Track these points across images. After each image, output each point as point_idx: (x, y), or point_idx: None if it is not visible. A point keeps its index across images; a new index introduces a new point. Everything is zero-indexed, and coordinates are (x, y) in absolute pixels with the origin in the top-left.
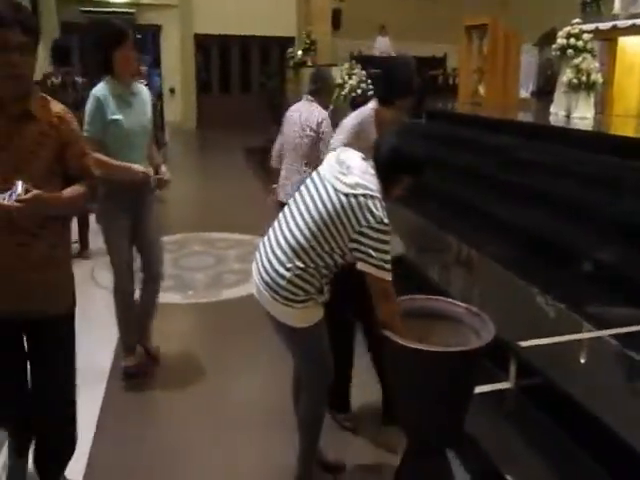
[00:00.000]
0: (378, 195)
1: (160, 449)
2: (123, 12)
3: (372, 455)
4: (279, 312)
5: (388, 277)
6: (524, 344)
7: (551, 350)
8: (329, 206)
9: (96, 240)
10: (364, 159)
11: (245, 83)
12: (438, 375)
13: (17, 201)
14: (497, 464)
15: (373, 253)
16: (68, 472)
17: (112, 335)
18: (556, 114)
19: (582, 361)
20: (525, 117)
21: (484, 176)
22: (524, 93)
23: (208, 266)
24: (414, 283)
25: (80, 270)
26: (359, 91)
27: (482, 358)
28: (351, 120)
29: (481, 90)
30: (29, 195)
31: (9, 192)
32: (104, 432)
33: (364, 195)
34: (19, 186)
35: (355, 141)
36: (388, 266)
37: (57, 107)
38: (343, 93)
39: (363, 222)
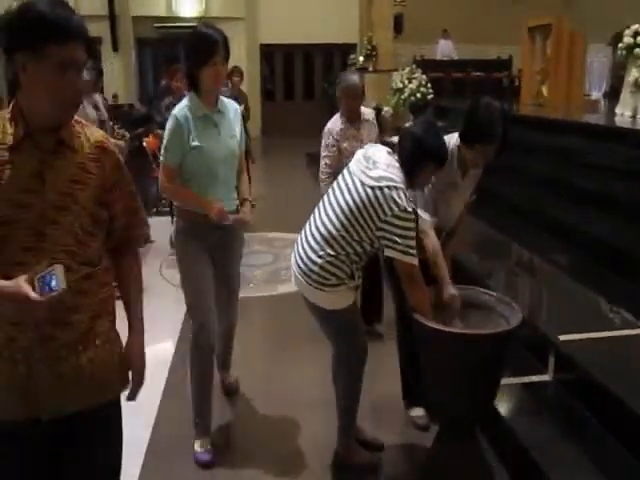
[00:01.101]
0: (402, 186)
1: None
2: (193, 26)
3: (404, 436)
4: (312, 295)
5: (414, 262)
6: (563, 338)
7: (591, 345)
8: (357, 198)
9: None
10: (390, 153)
11: (308, 90)
12: (467, 357)
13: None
14: (528, 448)
15: (398, 240)
16: None
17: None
18: (622, 115)
19: (622, 357)
20: (589, 118)
21: (547, 179)
22: (596, 94)
23: (266, 263)
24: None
25: (148, 265)
26: (418, 95)
27: (509, 342)
28: None
29: (544, 91)
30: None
31: (43, 276)
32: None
33: (388, 187)
34: (60, 278)
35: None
36: (413, 251)
37: (97, 133)
38: (403, 97)
39: (388, 212)
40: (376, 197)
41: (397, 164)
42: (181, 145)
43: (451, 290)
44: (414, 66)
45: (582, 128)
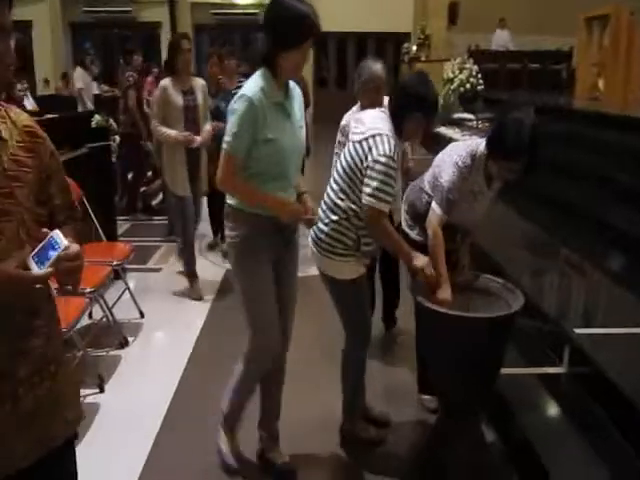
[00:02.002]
0: (387, 133)
1: None
2: (249, 13)
3: (412, 416)
4: (323, 264)
5: (384, 209)
6: (578, 331)
7: (606, 340)
8: (348, 158)
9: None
10: (382, 111)
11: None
12: (465, 338)
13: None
14: (533, 440)
15: (375, 184)
16: None
17: None
18: None
19: (637, 355)
20: None
21: (597, 175)
22: None
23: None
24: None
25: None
26: (468, 86)
27: (509, 327)
28: (460, 151)
29: (600, 85)
30: (74, 249)
31: (40, 249)
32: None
33: (372, 135)
34: (59, 239)
35: (462, 182)
36: (388, 199)
37: (22, 116)
38: (452, 87)
39: (369, 157)
40: (362, 148)
41: (385, 115)
42: (253, 134)
43: (444, 294)
44: (466, 56)
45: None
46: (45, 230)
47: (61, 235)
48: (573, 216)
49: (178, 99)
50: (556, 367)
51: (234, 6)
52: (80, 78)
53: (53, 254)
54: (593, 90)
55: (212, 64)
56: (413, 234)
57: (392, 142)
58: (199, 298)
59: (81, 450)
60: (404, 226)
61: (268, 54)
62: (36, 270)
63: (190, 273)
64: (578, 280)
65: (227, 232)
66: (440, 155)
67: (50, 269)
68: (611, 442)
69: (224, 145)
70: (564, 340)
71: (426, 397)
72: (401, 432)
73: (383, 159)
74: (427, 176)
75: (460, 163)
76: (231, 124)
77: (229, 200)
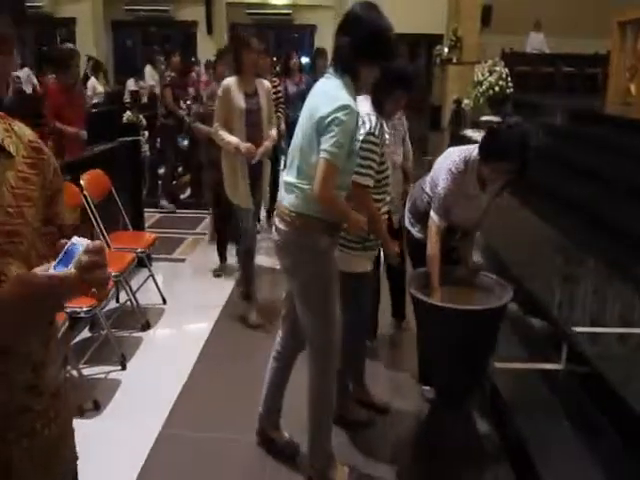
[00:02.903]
0: (368, 112)
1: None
2: (283, 13)
3: (412, 405)
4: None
5: (365, 182)
6: (577, 329)
7: (603, 340)
8: None
9: None
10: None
11: None
12: (455, 328)
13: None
14: (523, 433)
15: (360, 161)
16: None
17: None
18: None
19: (632, 355)
20: None
21: (625, 182)
22: None
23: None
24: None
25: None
26: (497, 88)
27: (497, 320)
28: (454, 157)
29: (633, 90)
30: (97, 243)
31: (62, 257)
32: None
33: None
34: (79, 242)
35: (457, 187)
36: (370, 172)
37: (27, 130)
38: (480, 90)
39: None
40: None
41: (362, 97)
42: (350, 145)
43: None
44: (497, 59)
45: None
46: (64, 240)
47: (80, 238)
48: (593, 221)
49: (240, 101)
50: (555, 364)
51: (269, 6)
52: (150, 76)
53: (77, 253)
54: (625, 95)
55: (222, 62)
56: (414, 231)
57: (373, 120)
58: (256, 325)
59: (103, 418)
60: (407, 224)
61: (354, 64)
62: (69, 270)
63: (247, 293)
64: (586, 281)
65: (296, 239)
66: (439, 158)
67: (74, 270)
68: (602, 438)
69: (327, 156)
70: (563, 337)
71: (425, 387)
72: (399, 418)
73: (365, 137)
74: (428, 177)
75: (453, 169)
76: (336, 135)
77: (312, 212)
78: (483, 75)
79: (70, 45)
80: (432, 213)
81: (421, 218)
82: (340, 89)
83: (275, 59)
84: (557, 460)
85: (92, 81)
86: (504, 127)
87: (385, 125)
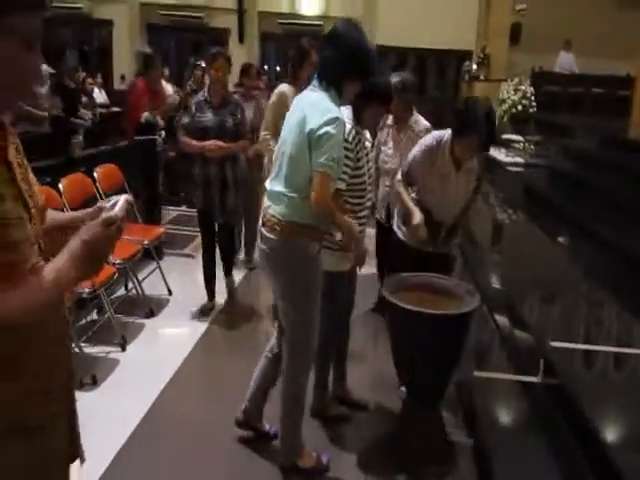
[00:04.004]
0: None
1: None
2: (314, 24)
3: (389, 402)
4: None
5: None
6: (554, 344)
7: (578, 356)
8: None
9: None
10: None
11: (419, 93)
12: (423, 331)
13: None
14: (489, 444)
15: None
16: None
17: None
18: None
19: (604, 372)
20: None
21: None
22: None
23: None
24: None
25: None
26: (520, 107)
27: (463, 325)
28: (427, 139)
29: None
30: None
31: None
32: None
33: None
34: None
35: (426, 160)
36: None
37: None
38: (504, 109)
39: None
40: None
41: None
42: (339, 155)
43: (415, 219)
44: (523, 77)
45: None
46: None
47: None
48: (599, 244)
49: None
50: (532, 377)
51: (300, 17)
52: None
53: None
54: None
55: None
56: (400, 233)
57: (347, 127)
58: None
59: (103, 391)
60: (395, 227)
61: (339, 79)
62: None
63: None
64: (580, 301)
65: (286, 246)
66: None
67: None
68: (567, 454)
69: (323, 169)
70: (540, 351)
71: (402, 388)
72: (375, 416)
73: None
74: None
75: (425, 144)
76: (329, 148)
77: (301, 219)
78: (508, 93)
79: (146, 48)
80: (399, 173)
81: (406, 219)
82: (327, 101)
83: None
84: (515, 469)
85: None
86: (470, 104)
87: (368, 134)
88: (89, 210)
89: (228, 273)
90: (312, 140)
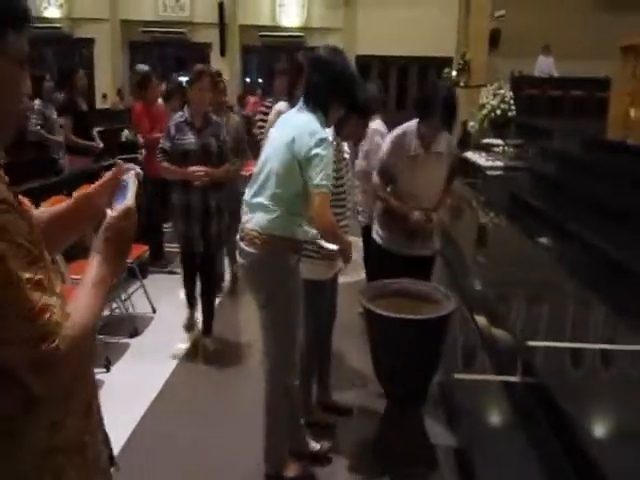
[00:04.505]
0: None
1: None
2: (295, 36)
3: (372, 404)
4: None
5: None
6: (531, 343)
7: (555, 354)
8: None
9: None
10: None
11: (401, 101)
12: (400, 336)
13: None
14: (470, 441)
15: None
16: None
17: None
18: None
19: (580, 369)
20: None
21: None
22: None
23: None
24: None
25: None
26: (498, 112)
27: (441, 329)
28: (396, 130)
29: (632, 114)
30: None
31: (119, 194)
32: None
33: None
34: (128, 179)
35: (397, 149)
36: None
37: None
38: (484, 113)
39: None
40: None
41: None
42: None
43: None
44: (502, 82)
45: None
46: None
47: (128, 174)
48: (579, 245)
49: None
50: (512, 376)
51: (281, 29)
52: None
53: (129, 187)
54: (626, 119)
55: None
56: (377, 237)
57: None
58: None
59: None
60: (374, 234)
61: (326, 102)
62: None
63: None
64: (559, 302)
65: (266, 259)
66: None
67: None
68: (546, 452)
69: (320, 190)
70: (518, 351)
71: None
72: (358, 420)
73: None
74: None
75: (393, 136)
76: (322, 169)
77: (281, 232)
78: (487, 98)
79: (145, 67)
80: (374, 174)
81: (384, 222)
82: (315, 123)
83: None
84: (497, 469)
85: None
86: (430, 87)
87: (346, 146)
88: (104, 180)
89: (208, 310)
90: (303, 163)
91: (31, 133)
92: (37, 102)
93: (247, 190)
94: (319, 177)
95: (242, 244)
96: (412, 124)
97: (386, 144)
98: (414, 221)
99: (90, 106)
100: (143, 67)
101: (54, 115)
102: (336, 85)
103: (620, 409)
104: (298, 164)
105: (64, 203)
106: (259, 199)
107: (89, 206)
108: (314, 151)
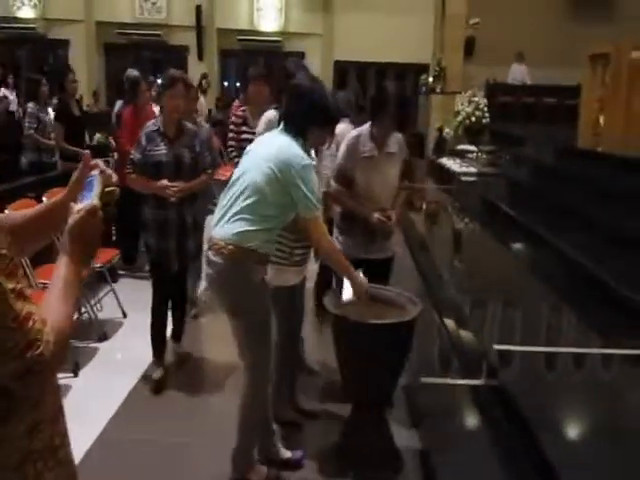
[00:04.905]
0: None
1: None
2: (273, 40)
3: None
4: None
5: None
6: (497, 347)
7: (520, 357)
8: None
9: None
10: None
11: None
12: (365, 341)
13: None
14: (433, 443)
15: None
16: None
17: None
18: None
19: (543, 373)
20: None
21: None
22: None
23: None
24: None
25: None
26: (473, 119)
27: (407, 333)
28: (350, 134)
29: (601, 121)
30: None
31: (86, 191)
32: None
33: None
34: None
35: (352, 151)
36: None
37: None
38: (458, 120)
39: None
40: None
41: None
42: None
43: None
44: (476, 89)
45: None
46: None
47: (96, 170)
48: (549, 250)
49: None
50: (476, 380)
51: (259, 33)
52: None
53: (95, 185)
54: (595, 126)
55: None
56: (338, 245)
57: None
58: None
59: None
60: (334, 240)
61: (305, 129)
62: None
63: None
64: (522, 305)
65: (233, 269)
66: None
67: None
68: (506, 453)
69: (312, 215)
70: (483, 354)
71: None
72: (325, 422)
73: None
74: None
75: (348, 140)
76: (307, 194)
77: (249, 244)
78: (462, 105)
79: (135, 72)
80: (332, 181)
81: (344, 227)
82: (295, 147)
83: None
84: (460, 471)
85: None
86: (381, 89)
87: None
88: (74, 180)
89: (177, 338)
90: (287, 184)
91: (25, 137)
92: (31, 105)
93: (221, 197)
94: (308, 201)
95: (209, 253)
96: (365, 127)
97: (341, 149)
98: (375, 222)
99: (82, 111)
100: (132, 72)
101: (48, 118)
102: (315, 113)
103: (577, 411)
104: (281, 186)
105: (38, 207)
106: (233, 210)
107: (65, 210)
108: (299, 178)
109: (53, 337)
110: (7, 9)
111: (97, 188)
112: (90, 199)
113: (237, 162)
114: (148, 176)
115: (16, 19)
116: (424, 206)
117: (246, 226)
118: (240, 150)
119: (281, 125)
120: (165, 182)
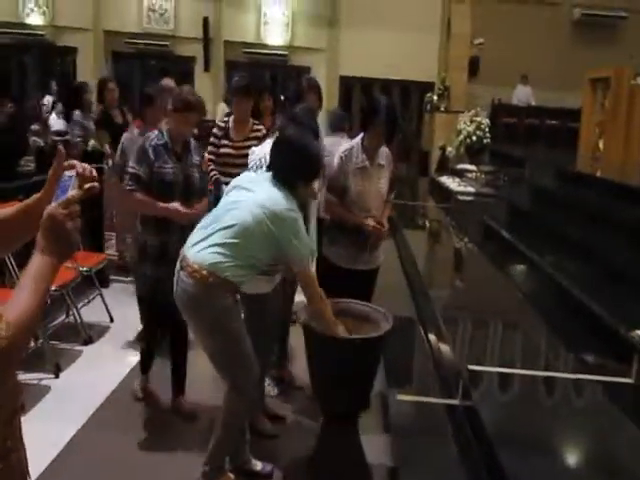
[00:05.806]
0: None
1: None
2: (278, 54)
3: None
4: None
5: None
6: (471, 367)
7: (493, 379)
8: None
9: None
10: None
11: None
12: (337, 355)
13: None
14: (404, 460)
15: None
16: None
17: None
18: None
19: (515, 395)
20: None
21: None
22: None
23: None
24: None
25: None
26: (474, 138)
27: (377, 348)
28: (343, 146)
29: (601, 145)
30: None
31: (60, 189)
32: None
33: None
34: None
35: (345, 163)
36: None
37: None
38: (459, 139)
39: None
40: None
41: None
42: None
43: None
44: (479, 109)
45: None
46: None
47: (71, 170)
48: (539, 274)
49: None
50: (453, 400)
51: (265, 46)
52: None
53: (71, 184)
54: (595, 150)
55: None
56: (328, 252)
57: None
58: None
59: (29, 418)
60: (325, 252)
61: (293, 182)
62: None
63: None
64: (503, 327)
65: (204, 293)
66: None
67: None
68: (475, 475)
69: (305, 268)
70: (458, 374)
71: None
72: (296, 435)
73: None
74: None
75: (341, 152)
76: (299, 245)
77: (225, 274)
78: (464, 124)
79: (166, 81)
80: (326, 193)
81: (334, 237)
82: (284, 200)
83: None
84: None
85: None
86: (371, 101)
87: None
88: (50, 179)
89: (179, 390)
90: (278, 240)
91: (71, 145)
92: (77, 113)
93: (205, 217)
94: (300, 255)
95: (182, 273)
96: (357, 139)
97: (335, 160)
98: (370, 229)
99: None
100: (163, 84)
101: (92, 126)
102: (300, 165)
103: (546, 435)
104: (272, 237)
105: (15, 206)
106: (215, 239)
107: (41, 209)
108: (291, 233)
109: (7, 332)
110: (16, 15)
111: (73, 187)
112: (65, 196)
113: (216, 179)
114: (153, 196)
115: (25, 25)
116: (420, 223)
117: (225, 260)
118: (220, 166)
119: (270, 174)
120: (177, 205)
